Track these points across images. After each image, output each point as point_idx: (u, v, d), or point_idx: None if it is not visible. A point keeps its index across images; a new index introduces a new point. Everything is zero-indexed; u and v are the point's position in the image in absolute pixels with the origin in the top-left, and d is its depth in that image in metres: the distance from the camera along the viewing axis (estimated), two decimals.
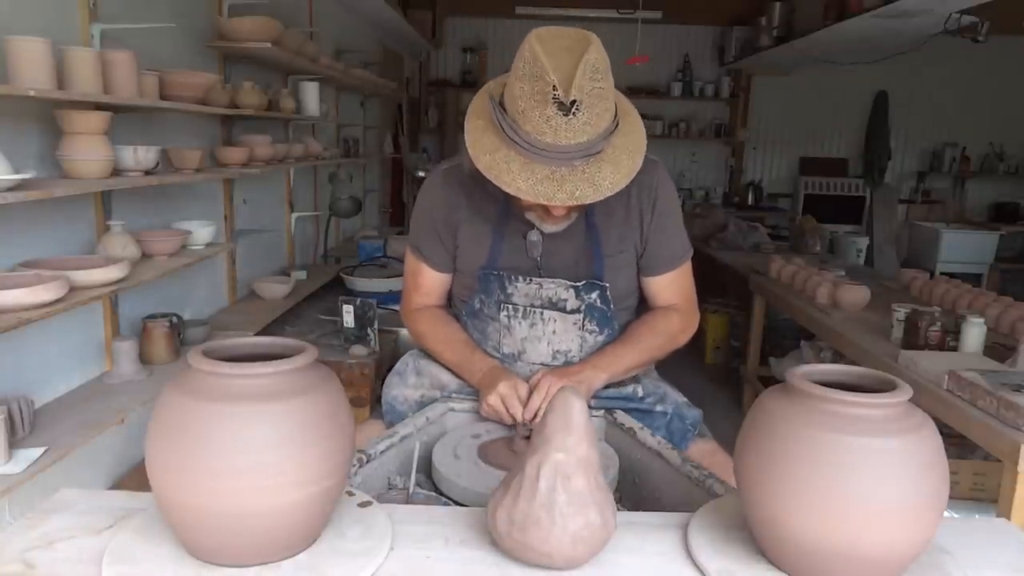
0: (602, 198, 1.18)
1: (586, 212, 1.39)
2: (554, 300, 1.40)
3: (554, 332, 1.41)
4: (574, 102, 1.10)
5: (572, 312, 1.40)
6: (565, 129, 1.12)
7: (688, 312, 1.50)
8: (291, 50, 2.91)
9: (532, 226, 1.38)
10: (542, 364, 1.43)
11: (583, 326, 1.41)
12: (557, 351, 1.43)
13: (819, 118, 7.40)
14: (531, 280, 1.40)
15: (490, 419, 1.35)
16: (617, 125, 1.20)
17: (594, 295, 1.40)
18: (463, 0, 6.82)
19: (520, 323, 1.42)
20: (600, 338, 1.44)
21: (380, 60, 5.18)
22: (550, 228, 1.36)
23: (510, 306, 1.42)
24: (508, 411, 1.29)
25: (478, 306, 1.46)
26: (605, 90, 1.13)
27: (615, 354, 1.40)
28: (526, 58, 1.13)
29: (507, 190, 1.17)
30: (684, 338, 1.49)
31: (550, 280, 1.40)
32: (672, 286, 1.48)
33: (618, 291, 1.43)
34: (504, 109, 1.18)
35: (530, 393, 1.31)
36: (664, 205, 1.43)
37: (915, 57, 5.08)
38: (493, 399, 1.31)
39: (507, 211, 1.41)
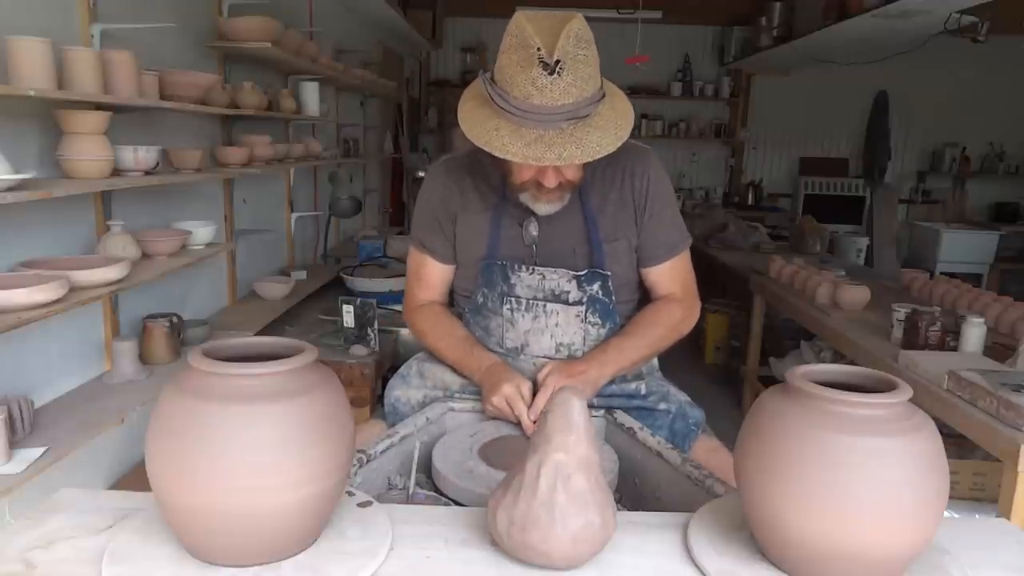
0: (590, 159, 1.19)
1: (581, 199, 1.40)
2: (556, 292, 1.41)
3: (556, 324, 1.42)
4: (558, 62, 1.13)
5: (574, 304, 1.41)
6: (551, 89, 1.14)
7: (688, 301, 1.51)
8: (291, 50, 2.91)
9: (529, 214, 1.39)
10: (545, 357, 1.43)
11: (585, 318, 1.42)
12: (560, 344, 1.43)
13: (819, 118, 7.39)
14: (533, 270, 1.41)
15: (496, 418, 1.35)
16: (603, 97, 1.22)
17: (596, 286, 1.41)
18: (463, 0, 6.81)
19: (523, 316, 1.43)
20: (603, 331, 1.44)
21: (380, 60, 5.18)
22: (544, 209, 1.36)
23: (513, 299, 1.42)
24: (514, 412, 1.30)
25: (481, 300, 1.47)
26: (589, 58, 1.17)
27: (618, 349, 1.40)
28: (512, 32, 1.17)
29: (497, 154, 1.19)
30: (686, 328, 1.50)
31: (552, 270, 1.40)
32: (671, 275, 1.49)
33: (618, 280, 1.43)
34: (494, 82, 1.21)
35: (534, 391, 1.32)
36: (658, 193, 1.44)
37: (915, 57, 5.08)
38: (498, 400, 1.32)
39: (504, 199, 1.42)
